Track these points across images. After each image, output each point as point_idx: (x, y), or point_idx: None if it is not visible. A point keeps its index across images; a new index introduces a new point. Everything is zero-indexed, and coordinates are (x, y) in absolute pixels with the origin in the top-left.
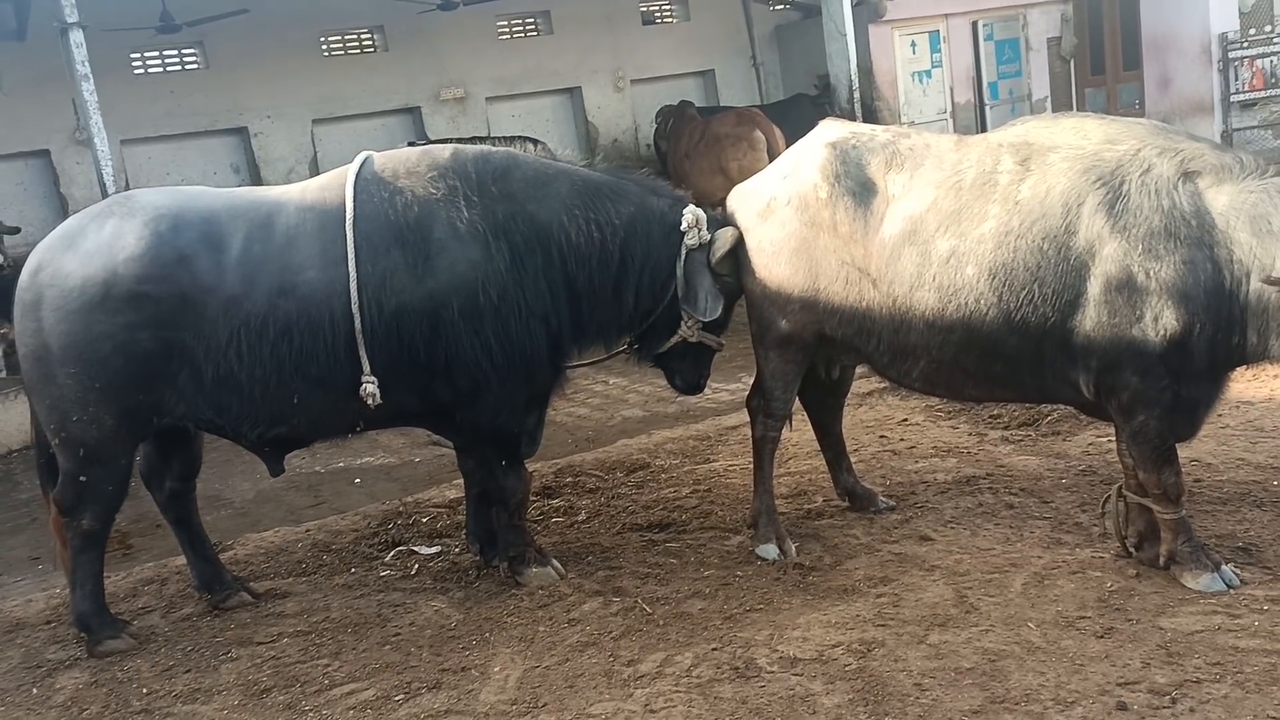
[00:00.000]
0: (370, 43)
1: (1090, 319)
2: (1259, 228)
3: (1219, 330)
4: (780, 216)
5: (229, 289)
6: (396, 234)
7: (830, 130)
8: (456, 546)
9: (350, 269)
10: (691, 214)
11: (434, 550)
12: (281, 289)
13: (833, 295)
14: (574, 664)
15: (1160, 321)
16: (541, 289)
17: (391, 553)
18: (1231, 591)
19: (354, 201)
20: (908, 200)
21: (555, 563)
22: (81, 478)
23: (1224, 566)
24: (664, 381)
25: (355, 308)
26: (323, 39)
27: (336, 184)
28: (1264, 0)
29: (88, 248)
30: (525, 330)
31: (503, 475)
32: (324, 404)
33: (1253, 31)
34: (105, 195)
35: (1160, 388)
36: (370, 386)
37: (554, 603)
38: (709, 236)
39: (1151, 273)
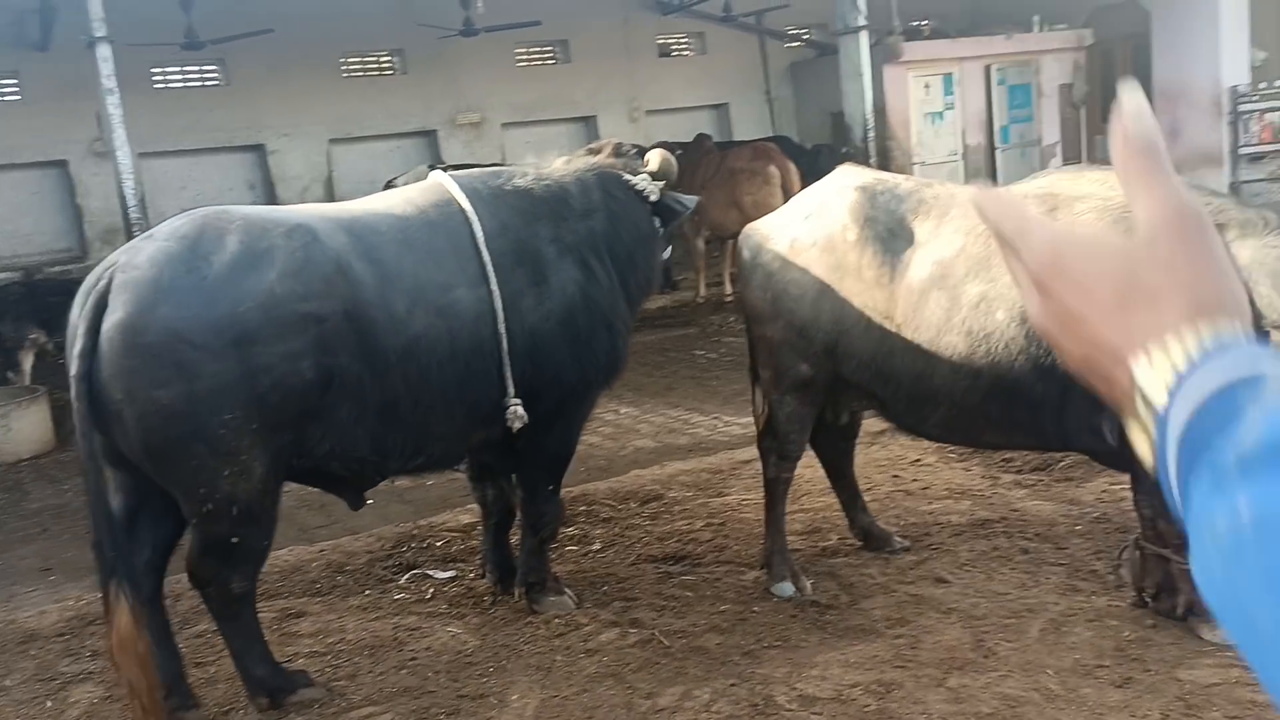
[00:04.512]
0: (390, 66)
1: None
2: (1279, 282)
3: None
4: (805, 259)
5: (392, 306)
6: (516, 253)
7: (852, 175)
8: (471, 572)
9: (493, 288)
10: (647, 181)
11: (449, 575)
12: (440, 309)
13: (854, 339)
14: (592, 695)
15: None
16: (618, 299)
17: (406, 575)
18: None
19: (478, 218)
20: (936, 246)
21: (570, 592)
22: (234, 539)
23: None
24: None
25: (502, 327)
26: (343, 60)
27: (441, 198)
28: (1275, 54)
29: (219, 271)
30: (612, 344)
31: (545, 500)
32: (464, 429)
33: (1263, 85)
34: (125, 208)
35: None
36: (519, 408)
37: (571, 632)
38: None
39: None
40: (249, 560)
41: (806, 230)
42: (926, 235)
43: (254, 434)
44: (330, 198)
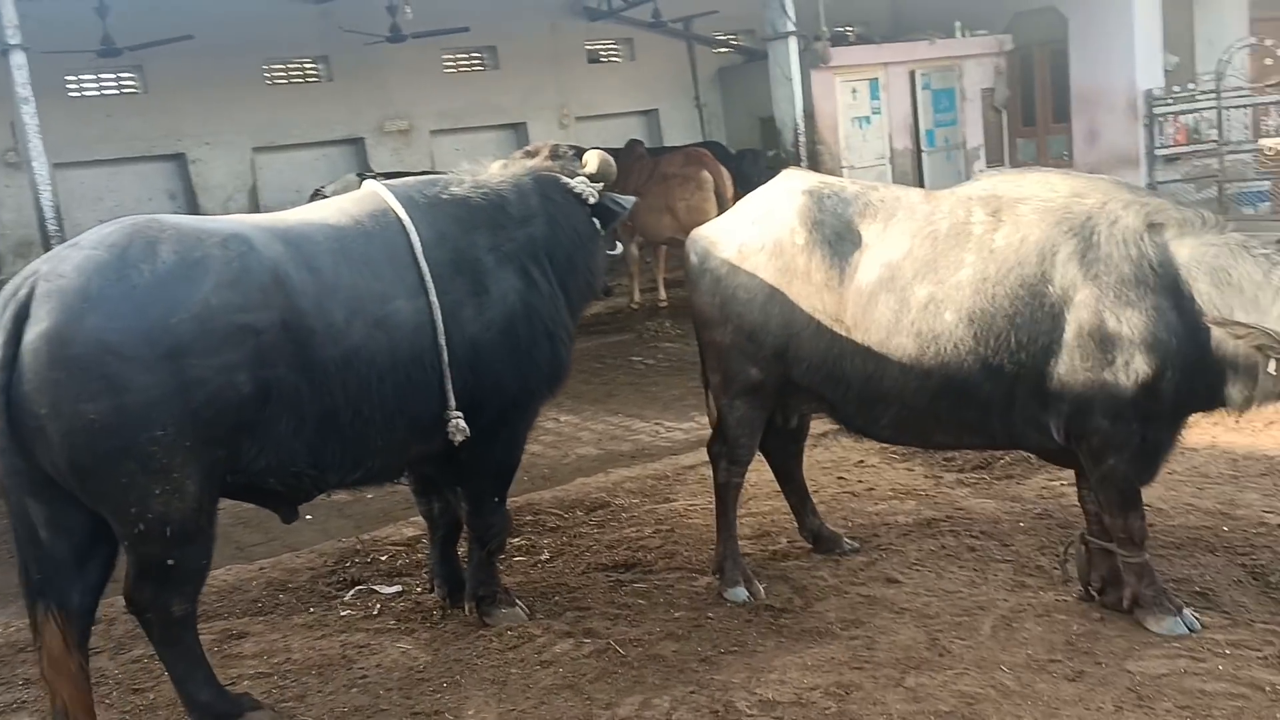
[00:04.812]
0: (315, 73)
1: (1064, 363)
2: (1218, 279)
3: (1183, 376)
4: (754, 263)
5: (331, 316)
6: (455, 263)
7: (798, 179)
8: (418, 586)
9: (432, 298)
10: (585, 183)
11: (395, 590)
12: (379, 320)
13: (804, 343)
14: (550, 707)
15: (1131, 366)
16: (560, 307)
17: (351, 592)
18: (1194, 635)
19: (414, 228)
20: (883, 248)
21: (521, 604)
22: (170, 561)
23: (1185, 610)
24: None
25: (442, 338)
26: (265, 67)
27: (377, 208)
28: (1187, 60)
29: (151, 280)
30: (555, 353)
31: (491, 511)
32: (404, 442)
33: (1176, 89)
34: (43, 220)
35: (1129, 432)
36: (460, 421)
37: (524, 644)
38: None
39: (1123, 319)
40: (188, 581)
41: (754, 234)
42: (874, 238)
43: (187, 450)
44: (255, 208)
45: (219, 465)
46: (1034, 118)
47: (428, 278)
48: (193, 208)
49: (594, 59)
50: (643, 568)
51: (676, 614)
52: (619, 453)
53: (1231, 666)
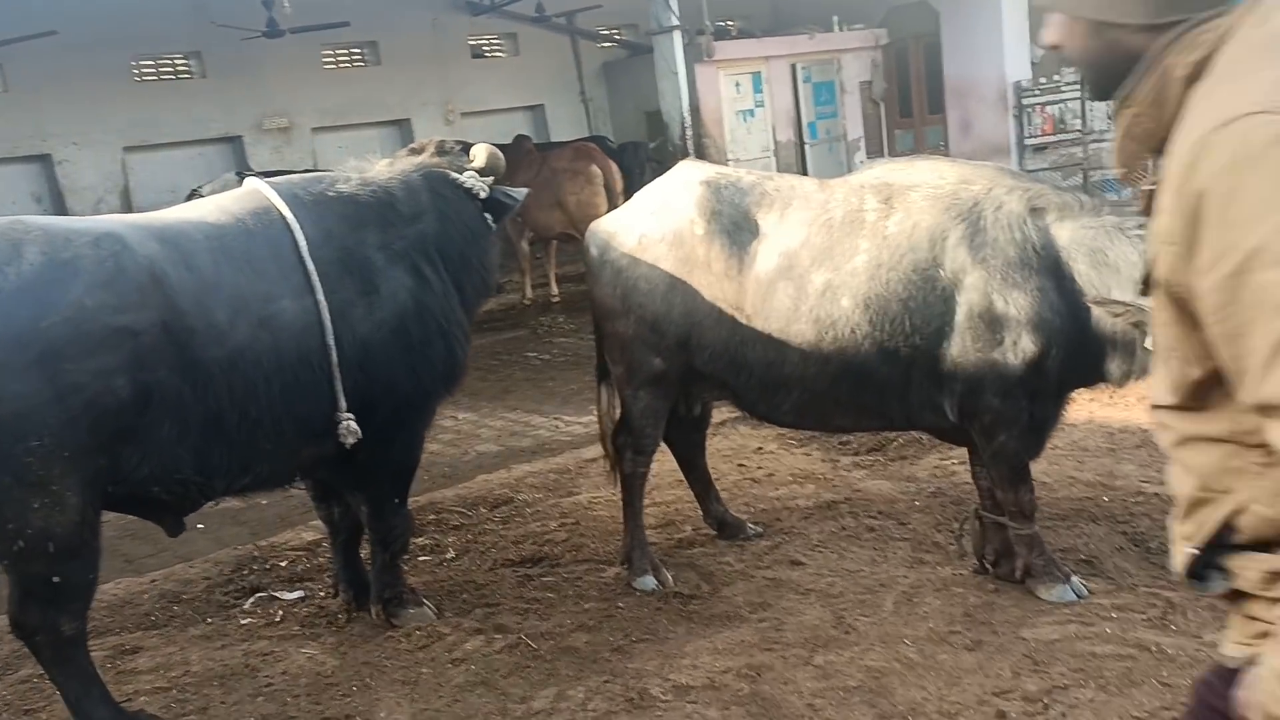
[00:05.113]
0: (187, 69)
1: (956, 345)
2: (1096, 260)
3: (1067, 353)
4: (654, 254)
5: (212, 315)
6: (343, 262)
7: (696, 170)
8: (321, 590)
9: (319, 298)
10: (474, 178)
11: (297, 595)
12: (263, 320)
13: (706, 331)
14: (464, 704)
15: (1019, 345)
16: (454, 304)
17: (251, 599)
18: (1082, 601)
19: (300, 226)
20: (781, 237)
21: (429, 603)
22: (55, 578)
23: (1073, 578)
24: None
25: (331, 339)
26: (135, 64)
27: (259, 206)
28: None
29: (18, 283)
30: (450, 351)
31: (392, 513)
32: (294, 446)
33: (1043, 80)
34: None
35: (1018, 409)
36: (351, 423)
37: (434, 643)
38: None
39: (1010, 300)
40: (76, 599)
41: (654, 225)
42: (771, 227)
43: (66, 460)
44: (128, 209)
45: (100, 475)
46: (911, 109)
47: (314, 276)
48: (60, 210)
49: (478, 54)
50: (550, 561)
51: (586, 605)
52: (520, 448)
53: (1119, 629)
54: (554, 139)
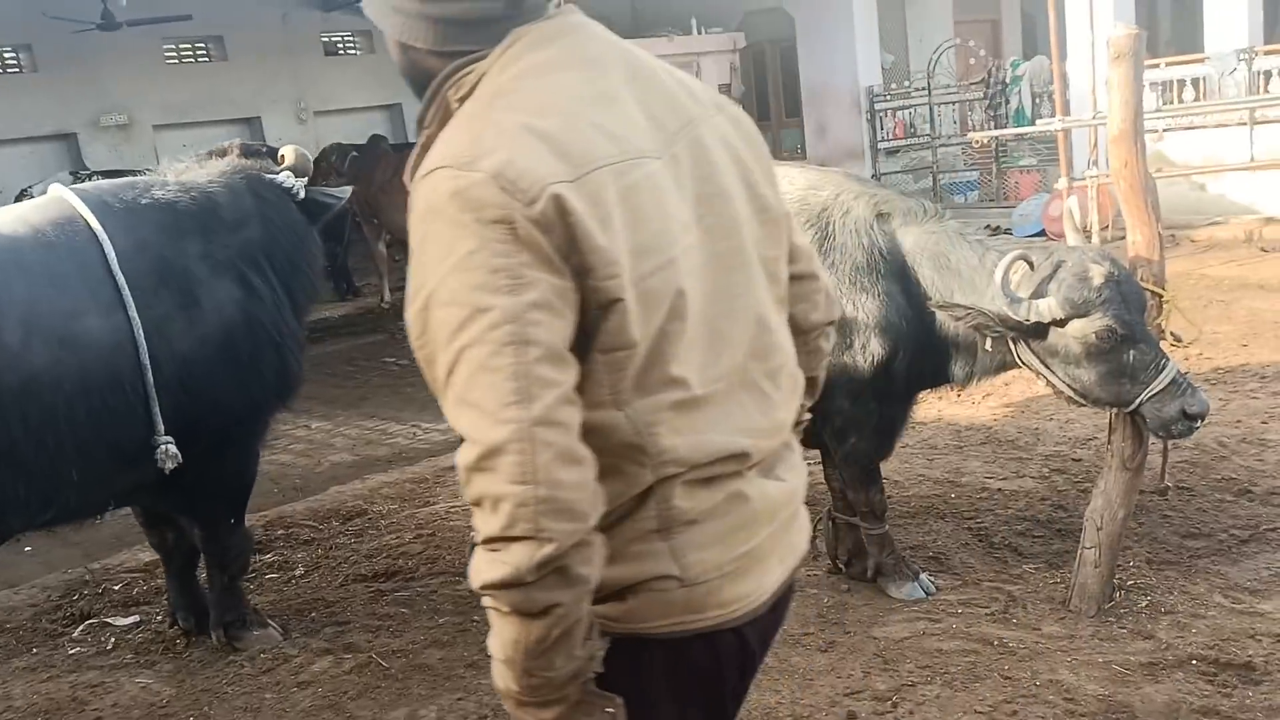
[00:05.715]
0: (15, 62)
1: None
2: (939, 264)
3: (914, 356)
4: None
5: (2, 338)
6: (159, 274)
7: None
8: (158, 614)
9: (131, 314)
10: (291, 179)
11: (132, 620)
12: (64, 339)
13: None
14: None
15: (868, 349)
16: (285, 312)
17: (80, 627)
18: (930, 598)
19: (108, 235)
20: None
21: (274, 624)
22: None
23: (922, 575)
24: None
25: (145, 358)
26: None
27: (62, 215)
28: (902, 59)
29: None
30: (282, 362)
31: (228, 534)
32: (106, 474)
33: (894, 86)
34: None
35: (868, 411)
36: (170, 447)
37: (279, 666)
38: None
39: (859, 304)
40: None
41: None
42: None
43: None
44: None
45: None
46: (769, 112)
47: (125, 291)
48: None
49: (331, 51)
50: (404, 575)
51: (441, 620)
52: (375, 458)
53: (964, 624)
54: (411, 139)
